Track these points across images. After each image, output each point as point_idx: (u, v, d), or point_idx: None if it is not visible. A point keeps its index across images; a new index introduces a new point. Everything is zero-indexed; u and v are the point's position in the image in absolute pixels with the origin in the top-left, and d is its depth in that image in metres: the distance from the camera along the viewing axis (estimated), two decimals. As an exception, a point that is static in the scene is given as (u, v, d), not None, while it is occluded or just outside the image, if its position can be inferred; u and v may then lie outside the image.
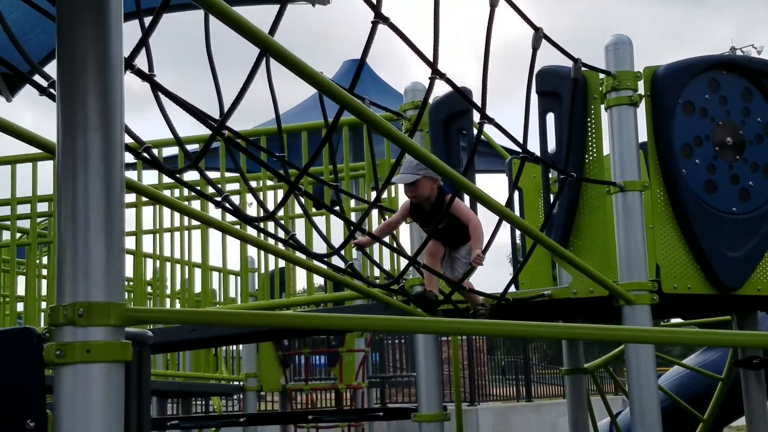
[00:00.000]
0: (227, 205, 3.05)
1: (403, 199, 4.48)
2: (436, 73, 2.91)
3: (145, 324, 2.06)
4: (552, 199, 4.75)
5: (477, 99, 3.49)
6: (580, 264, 4.16)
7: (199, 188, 5.72)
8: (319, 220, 6.42)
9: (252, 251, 7.29)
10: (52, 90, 2.52)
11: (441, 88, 4.85)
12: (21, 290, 7.32)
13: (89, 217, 1.72)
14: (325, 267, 4.37)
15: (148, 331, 2.05)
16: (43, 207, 7.32)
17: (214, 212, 6.44)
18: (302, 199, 3.99)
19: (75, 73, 1.75)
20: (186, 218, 7.12)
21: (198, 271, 7.27)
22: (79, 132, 1.74)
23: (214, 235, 6.83)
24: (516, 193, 5.59)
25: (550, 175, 5.14)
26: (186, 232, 7.29)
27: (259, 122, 10.57)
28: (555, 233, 4.74)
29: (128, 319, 1.74)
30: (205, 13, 2.93)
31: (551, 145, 4.83)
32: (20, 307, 7.55)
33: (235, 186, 7.32)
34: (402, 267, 5.97)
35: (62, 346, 1.67)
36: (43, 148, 2.95)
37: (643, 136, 4.69)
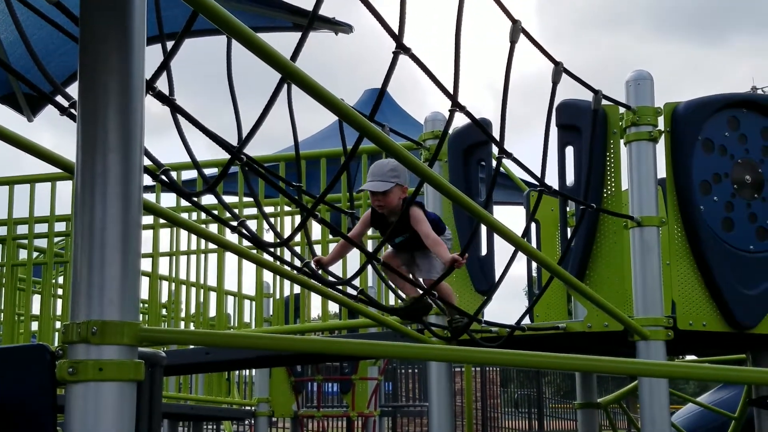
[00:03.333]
0: (243, 230, 3.06)
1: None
2: (456, 106, 2.92)
3: (159, 345, 2.06)
4: (570, 233, 4.74)
5: (496, 130, 3.50)
6: (595, 298, 4.14)
7: (216, 212, 5.74)
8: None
9: (268, 276, 7.29)
10: (72, 110, 2.54)
11: (461, 119, 4.87)
12: (36, 309, 7.36)
13: (106, 236, 1.73)
14: (340, 294, 4.34)
15: (161, 352, 2.06)
16: (60, 227, 7.34)
17: (231, 236, 6.45)
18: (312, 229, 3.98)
19: (96, 94, 1.77)
20: (203, 241, 7.14)
21: (213, 295, 7.28)
22: (99, 152, 1.75)
23: (231, 259, 6.83)
24: (533, 226, 5.58)
25: (568, 209, 5.13)
26: (202, 256, 7.30)
27: (278, 148, 10.62)
28: (571, 266, 4.72)
29: (142, 339, 1.74)
30: (227, 38, 2.96)
31: (570, 179, 4.82)
32: (35, 326, 7.58)
33: (253, 210, 7.32)
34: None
35: (75, 363, 1.68)
36: (62, 168, 2.97)
37: (661, 172, 4.69)
